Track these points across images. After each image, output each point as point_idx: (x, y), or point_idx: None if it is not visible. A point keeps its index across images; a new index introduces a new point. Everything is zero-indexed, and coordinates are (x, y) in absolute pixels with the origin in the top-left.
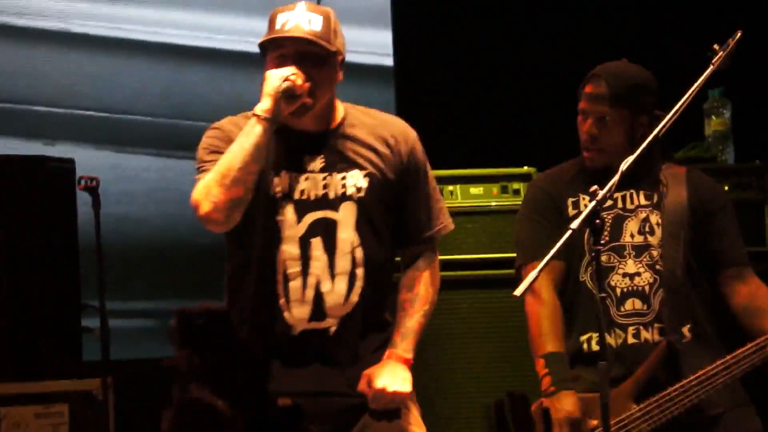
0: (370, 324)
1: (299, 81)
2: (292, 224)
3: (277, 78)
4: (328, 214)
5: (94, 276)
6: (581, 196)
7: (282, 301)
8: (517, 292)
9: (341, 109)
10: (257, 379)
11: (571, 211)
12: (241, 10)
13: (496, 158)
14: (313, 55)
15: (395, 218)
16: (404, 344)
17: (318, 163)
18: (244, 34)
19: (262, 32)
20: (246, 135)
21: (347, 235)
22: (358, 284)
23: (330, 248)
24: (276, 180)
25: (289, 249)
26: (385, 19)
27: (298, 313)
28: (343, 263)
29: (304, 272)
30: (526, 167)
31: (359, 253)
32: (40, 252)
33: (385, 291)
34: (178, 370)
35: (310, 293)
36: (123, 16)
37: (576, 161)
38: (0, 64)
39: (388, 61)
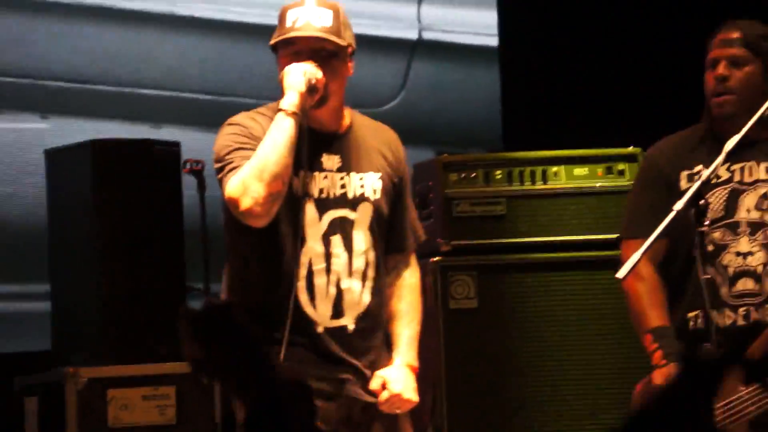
0: (379, 323)
1: (319, 75)
2: (314, 222)
3: (300, 72)
4: (346, 213)
5: (200, 259)
6: (698, 167)
7: (305, 297)
8: (620, 274)
9: (345, 110)
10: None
11: (685, 185)
12: None
13: (600, 138)
14: (326, 51)
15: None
16: (411, 353)
17: (335, 162)
18: (350, 15)
19: (369, 14)
20: (277, 130)
21: (362, 235)
22: (369, 284)
23: (348, 247)
24: (294, 179)
25: (314, 246)
26: None
27: (322, 310)
28: (358, 263)
29: (328, 269)
30: (631, 147)
31: (371, 254)
32: (147, 235)
33: (384, 291)
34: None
35: (333, 290)
36: None
37: (697, 128)
38: (106, 47)
39: (493, 42)
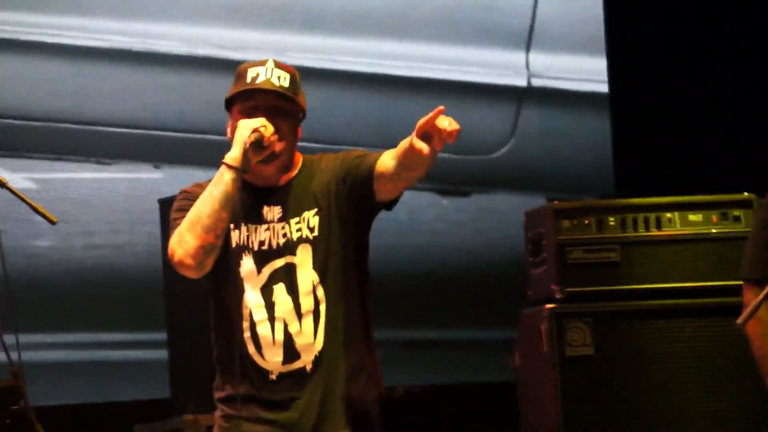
0: (348, 360)
1: (268, 132)
2: (252, 274)
3: (248, 128)
4: (287, 259)
5: None
6: None
7: (252, 349)
8: (740, 320)
9: (298, 160)
10: None
11: None
12: (454, 39)
13: (715, 184)
14: (282, 110)
15: (365, 189)
16: None
17: (276, 213)
18: (458, 63)
19: (478, 62)
20: (215, 183)
21: (306, 275)
22: (323, 320)
23: (292, 291)
24: (235, 233)
25: (253, 298)
26: (599, 45)
27: (271, 358)
28: (306, 303)
29: (270, 317)
30: (746, 193)
31: (320, 291)
32: None
33: (355, 325)
34: None
35: (279, 337)
36: (339, 47)
37: None
38: (218, 97)
39: (603, 88)
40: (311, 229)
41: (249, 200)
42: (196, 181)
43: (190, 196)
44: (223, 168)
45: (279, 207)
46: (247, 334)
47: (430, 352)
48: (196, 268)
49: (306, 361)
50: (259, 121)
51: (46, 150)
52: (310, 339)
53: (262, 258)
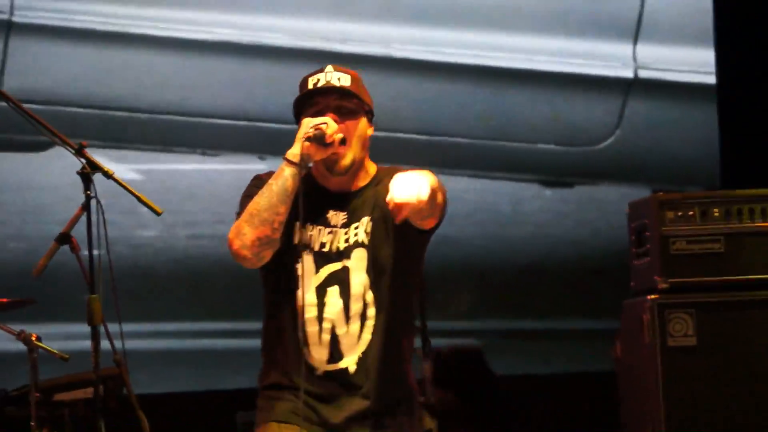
0: (389, 364)
1: (330, 130)
2: (310, 273)
3: (309, 125)
4: (344, 262)
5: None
6: None
7: (302, 344)
8: None
9: (372, 170)
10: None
11: None
12: (561, 31)
13: None
14: (346, 109)
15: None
16: None
17: (341, 218)
18: (565, 55)
19: (584, 53)
20: (275, 178)
21: (359, 279)
22: (370, 323)
23: (345, 294)
24: (300, 231)
25: (307, 296)
26: (707, 37)
27: (317, 356)
28: (356, 306)
29: (320, 318)
30: None
31: (370, 295)
32: None
33: (400, 331)
34: (442, 409)
35: (326, 337)
36: (444, 40)
37: None
38: None
39: (711, 79)
40: (366, 234)
41: (317, 202)
42: None
43: (260, 183)
44: (283, 163)
45: (345, 213)
46: (300, 331)
47: (532, 342)
48: (253, 260)
49: (349, 362)
50: (322, 119)
51: (151, 141)
52: (354, 341)
53: (322, 259)
